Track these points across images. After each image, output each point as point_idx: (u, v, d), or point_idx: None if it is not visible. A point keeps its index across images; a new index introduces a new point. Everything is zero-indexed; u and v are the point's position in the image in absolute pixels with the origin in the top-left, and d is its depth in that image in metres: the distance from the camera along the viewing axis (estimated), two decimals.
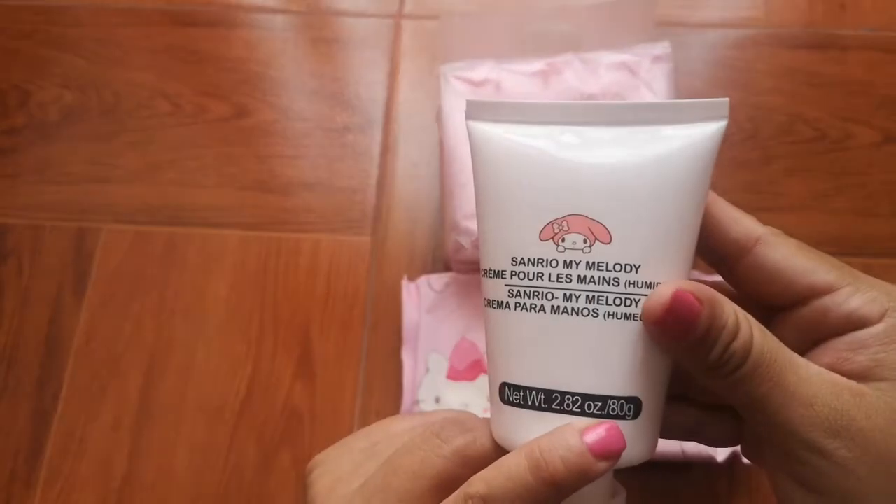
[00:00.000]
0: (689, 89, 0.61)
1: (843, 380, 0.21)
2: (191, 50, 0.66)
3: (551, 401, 0.22)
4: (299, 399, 0.53)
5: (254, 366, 0.54)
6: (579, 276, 0.22)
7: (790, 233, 0.25)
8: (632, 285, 0.21)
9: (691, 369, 0.22)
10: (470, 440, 0.24)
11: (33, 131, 0.63)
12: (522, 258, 0.22)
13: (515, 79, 0.54)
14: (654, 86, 0.53)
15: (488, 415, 0.25)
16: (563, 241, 0.22)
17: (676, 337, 0.21)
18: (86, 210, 0.60)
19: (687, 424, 0.26)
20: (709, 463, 0.47)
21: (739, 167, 0.59)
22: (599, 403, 0.22)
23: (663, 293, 0.20)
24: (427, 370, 0.51)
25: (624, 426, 0.21)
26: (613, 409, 0.22)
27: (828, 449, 0.20)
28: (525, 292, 0.22)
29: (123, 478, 0.51)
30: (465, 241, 0.50)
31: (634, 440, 0.22)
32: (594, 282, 0.21)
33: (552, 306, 0.22)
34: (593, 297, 0.21)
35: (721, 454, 0.47)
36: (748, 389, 0.21)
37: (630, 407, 0.22)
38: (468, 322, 0.52)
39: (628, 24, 0.55)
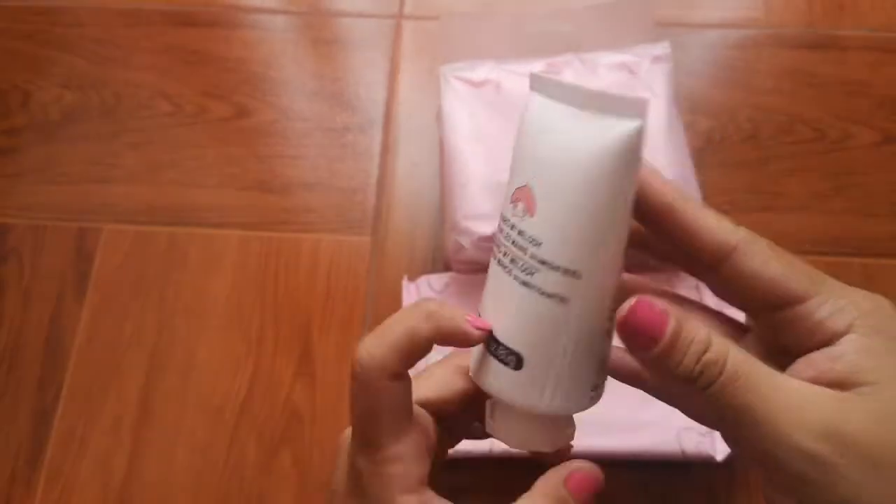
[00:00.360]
0: (688, 89, 0.61)
1: (827, 390, 0.22)
2: (191, 50, 0.66)
3: (489, 344, 0.26)
4: (299, 399, 0.53)
5: (254, 365, 0.54)
6: (513, 240, 0.25)
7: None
8: (533, 258, 0.24)
9: (672, 385, 0.22)
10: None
11: (34, 131, 0.63)
12: (502, 215, 0.26)
13: (515, 79, 0.54)
14: (653, 86, 0.53)
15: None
16: (517, 206, 0.25)
17: (645, 344, 0.22)
18: (86, 210, 0.60)
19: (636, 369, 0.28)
20: (708, 463, 0.47)
21: (739, 167, 0.59)
22: (494, 345, 0.26)
23: (631, 300, 0.22)
24: None
25: (507, 373, 0.25)
26: (500, 354, 0.25)
27: (819, 455, 0.20)
28: (496, 245, 0.26)
29: (124, 477, 0.51)
30: (465, 241, 0.50)
31: (516, 388, 0.25)
32: (516, 246, 0.25)
33: (497, 259, 0.26)
34: (513, 258, 0.25)
35: (720, 454, 0.47)
36: (728, 401, 0.21)
37: (512, 359, 0.25)
38: None
39: (628, 25, 0.55)
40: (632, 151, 0.23)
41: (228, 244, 0.58)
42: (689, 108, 0.61)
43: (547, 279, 0.24)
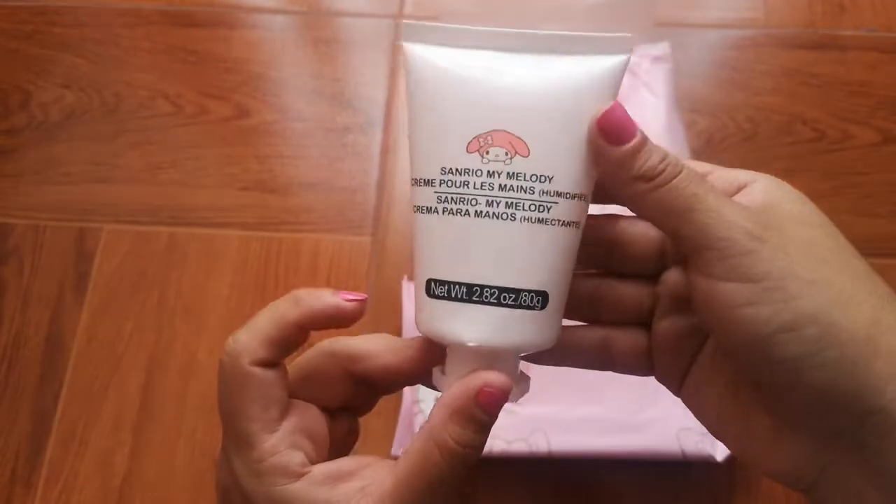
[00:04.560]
0: (688, 90, 0.61)
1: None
2: (191, 50, 0.66)
3: (472, 293, 0.25)
4: None
5: None
6: (500, 185, 0.24)
7: None
8: (545, 194, 0.24)
9: (625, 193, 0.25)
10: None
11: (34, 131, 0.63)
12: (451, 168, 0.25)
13: None
14: (653, 86, 0.53)
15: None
16: (487, 153, 0.24)
17: (620, 139, 0.24)
18: (87, 210, 0.60)
19: (596, 343, 0.28)
20: (708, 463, 0.47)
21: (739, 167, 0.59)
22: (513, 295, 0.25)
23: (605, 105, 0.24)
24: None
25: (533, 316, 0.25)
26: (524, 301, 0.25)
27: (763, 236, 0.24)
28: (452, 198, 0.25)
29: (124, 477, 0.51)
30: None
31: (542, 328, 0.25)
32: (513, 190, 0.24)
33: (476, 211, 0.24)
34: (512, 202, 0.24)
35: (720, 454, 0.47)
36: (682, 193, 0.24)
37: (538, 299, 0.25)
38: None
39: (628, 25, 0.55)
40: (618, 77, 0.25)
41: (228, 244, 0.58)
42: (689, 108, 0.61)
43: (564, 209, 0.24)
